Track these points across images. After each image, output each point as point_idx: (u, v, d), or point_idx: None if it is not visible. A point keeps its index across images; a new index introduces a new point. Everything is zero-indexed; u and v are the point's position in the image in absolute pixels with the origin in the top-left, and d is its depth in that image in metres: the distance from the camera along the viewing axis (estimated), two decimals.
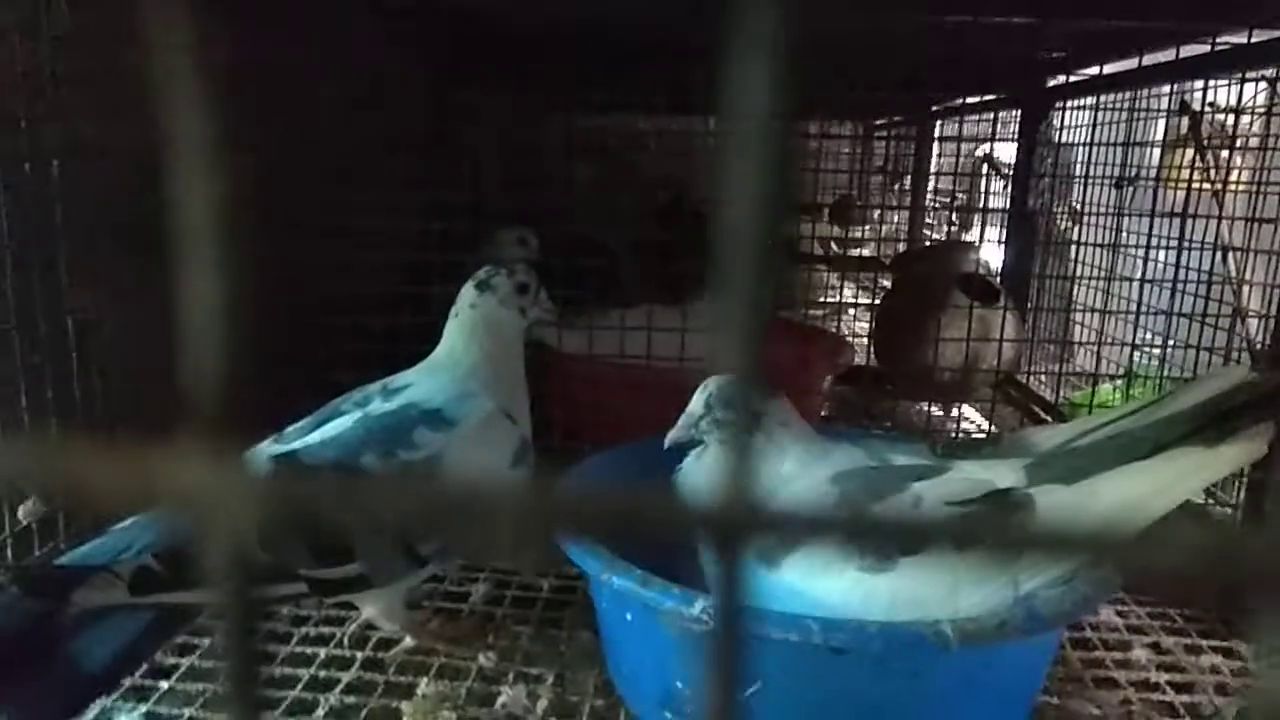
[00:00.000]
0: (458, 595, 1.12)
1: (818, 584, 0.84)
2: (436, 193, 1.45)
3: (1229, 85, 1.36)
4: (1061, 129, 1.87)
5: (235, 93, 0.19)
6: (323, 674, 0.95)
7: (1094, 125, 1.75)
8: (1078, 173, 1.88)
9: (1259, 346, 1.25)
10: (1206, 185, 1.46)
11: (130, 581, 0.74)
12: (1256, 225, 1.26)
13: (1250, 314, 1.29)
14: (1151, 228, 1.38)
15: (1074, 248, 1.85)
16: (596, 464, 1.05)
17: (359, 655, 0.98)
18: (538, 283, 1.06)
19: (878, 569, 0.83)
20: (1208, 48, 1.27)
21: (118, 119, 1.02)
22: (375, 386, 0.99)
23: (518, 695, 0.93)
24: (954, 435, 1.69)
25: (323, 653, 0.99)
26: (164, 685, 0.92)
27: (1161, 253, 1.38)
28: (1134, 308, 1.45)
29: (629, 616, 0.84)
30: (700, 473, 0.95)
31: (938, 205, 2.76)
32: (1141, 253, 1.41)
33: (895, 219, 2.72)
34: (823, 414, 1.73)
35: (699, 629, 0.75)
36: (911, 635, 0.74)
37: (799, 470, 0.91)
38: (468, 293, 1.04)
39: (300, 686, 0.93)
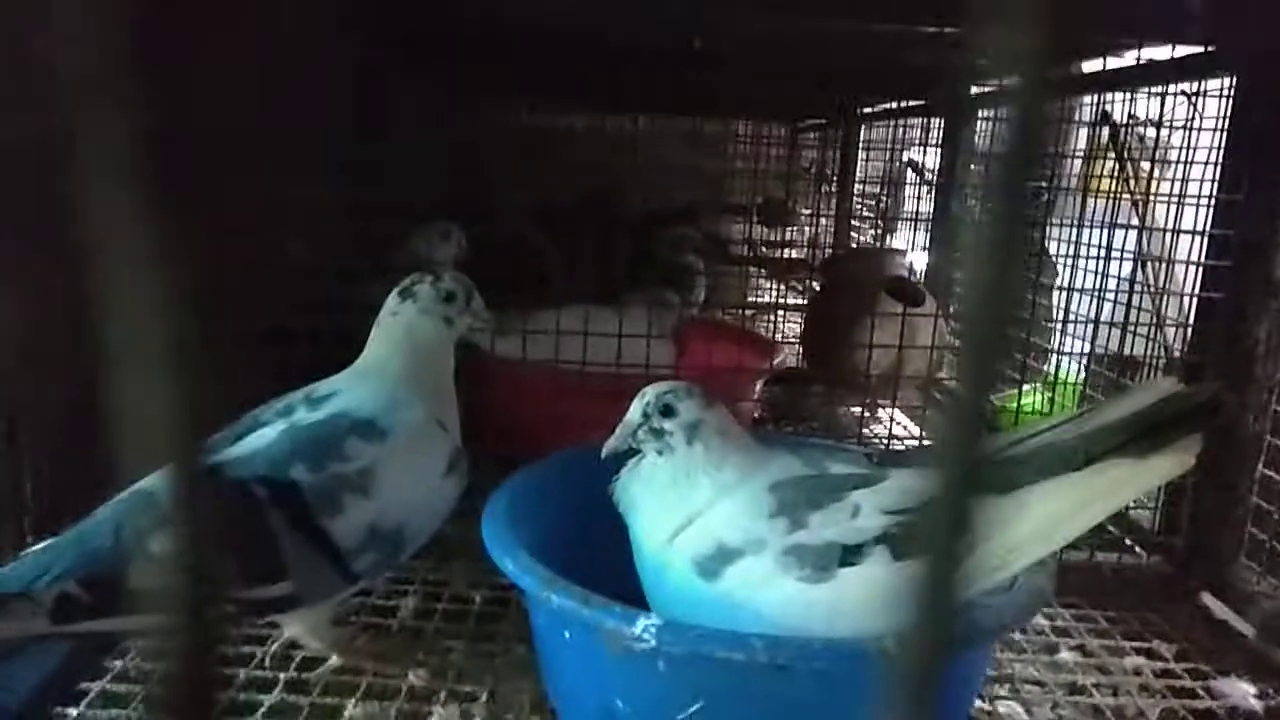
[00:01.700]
0: (386, 610, 1.09)
1: (757, 596, 0.83)
2: (364, 189, 1.40)
3: (1148, 98, 1.40)
4: (993, 137, 1.91)
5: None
6: (243, 697, 0.91)
7: None
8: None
9: (1177, 355, 1.29)
10: (1126, 195, 1.50)
11: (51, 609, 0.69)
12: (1175, 236, 1.29)
13: (1169, 323, 1.33)
14: (1077, 236, 1.41)
15: None
16: (531, 474, 1.02)
17: (282, 676, 0.94)
18: (468, 290, 1.02)
19: (817, 580, 0.82)
20: (1131, 61, 1.30)
21: (16, 112, 0.96)
22: (298, 395, 0.94)
23: (450, 715, 0.91)
24: (885, 440, 1.70)
25: (242, 674, 0.94)
26: (72, 714, 0.86)
27: (1087, 261, 1.41)
28: (1058, 315, 1.49)
29: (567, 635, 0.81)
30: (637, 483, 0.93)
31: (864, 210, 2.79)
32: (1065, 261, 1.44)
33: (822, 222, 2.75)
34: (755, 415, 1.73)
35: (640, 648, 0.74)
36: (855, 651, 0.74)
37: (737, 479, 0.90)
38: (391, 299, 1.01)
39: (218, 711, 0.88)
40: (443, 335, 1.00)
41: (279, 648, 0.97)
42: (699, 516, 0.88)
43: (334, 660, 0.96)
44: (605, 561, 0.88)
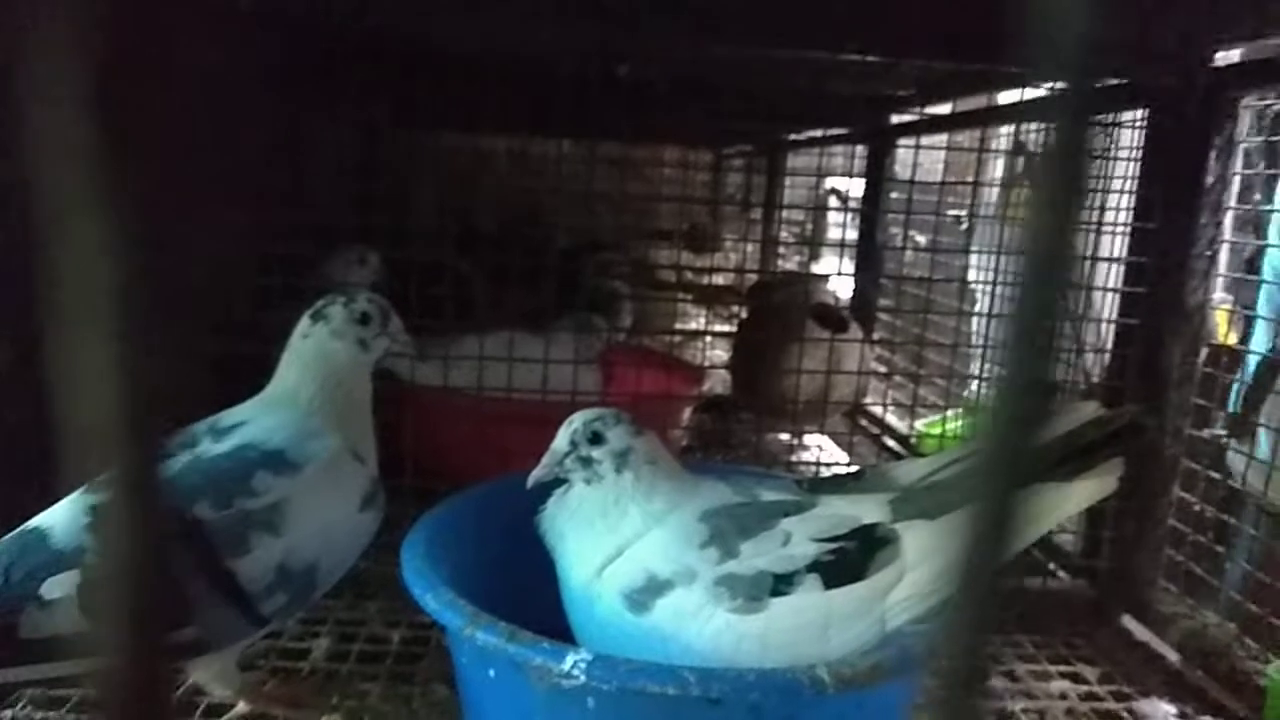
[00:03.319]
0: (297, 652, 1.03)
1: (688, 628, 0.81)
2: (277, 210, 1.35)
3: None
4: (914, 166, 1.94)
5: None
6: None
7: (941, 163, 1.81)
8: (920, 209, 1.95)
9: (1096, 380, 1.32)
10: None
11: None
12: (1093, 263, 1.32)
13: (1088, 348, 1.35)
14: (996, 264, 1.43)
15: (921, 281, 1.91)
16: (453, 506, 0.98)
17: None
18: (384, 313, 0.97)
19: (748, 610, 0.80)
20: (1046, 92, 1.33)
21: None
22: (202, 425, 0.88)
23: None
24: (814, 466, 1.70)
25: None
26: None
27: (1007, 287, 1.43)
28: (979, 341, 1.51)
29: (492, 673, 0.78)
30: (564, 514, 0.90)
31: (789, 236, 2.81)
32: (985, 288, 1.46)
33: (748, 248, 2.76)
34: (683, 444, 1.72)
35: (569, 685, 0.70)
36: (788, 682, 0.72)
37: (668, 508, 0.88)
38: (302, 322, 0.96)
39: None
40: (357, 359, 0.95)
41: (182, 694, 0.91)
42: (628, 547, 0.86)
43: (242, 706, 0.91)
44: (531, 596, 0.85)
